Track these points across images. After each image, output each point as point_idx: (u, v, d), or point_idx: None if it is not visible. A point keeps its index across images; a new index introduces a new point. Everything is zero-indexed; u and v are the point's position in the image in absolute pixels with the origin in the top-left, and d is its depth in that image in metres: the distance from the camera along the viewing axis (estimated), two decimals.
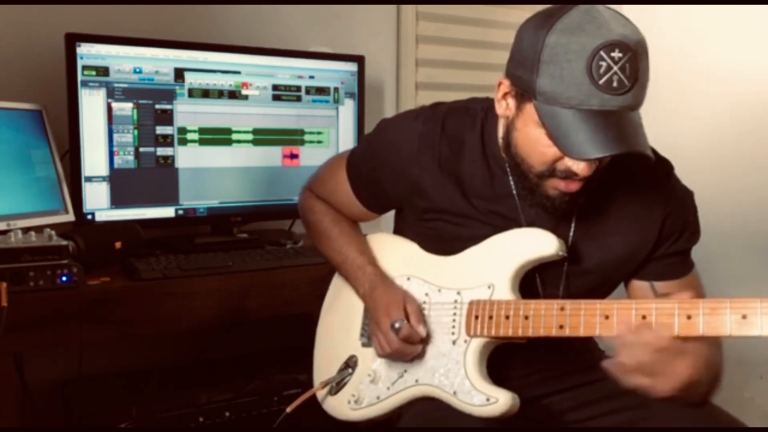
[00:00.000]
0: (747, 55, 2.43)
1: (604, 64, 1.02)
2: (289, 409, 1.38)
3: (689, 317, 1.02)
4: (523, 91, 1.11)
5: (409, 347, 1.25)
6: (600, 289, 1.29)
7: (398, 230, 1.46)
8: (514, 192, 1.25)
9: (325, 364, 1.42)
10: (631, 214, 1.25)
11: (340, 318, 1.44)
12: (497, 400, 1.17)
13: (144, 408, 1.67)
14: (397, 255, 1.39)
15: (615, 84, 1.03)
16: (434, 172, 1.27)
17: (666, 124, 2.63)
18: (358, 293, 1.38)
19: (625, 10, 2.75)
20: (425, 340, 1.27)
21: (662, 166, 1.27)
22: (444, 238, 1.31)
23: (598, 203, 1.24)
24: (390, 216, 1.49)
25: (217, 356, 2.03)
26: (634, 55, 1.04)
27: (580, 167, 1.10)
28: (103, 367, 1.85)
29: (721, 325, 1.00)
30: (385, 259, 1.40)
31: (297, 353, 1.51)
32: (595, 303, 1.11)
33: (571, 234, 1.25)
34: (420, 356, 1.27)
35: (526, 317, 1.17)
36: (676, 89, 2.59)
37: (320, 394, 1.40)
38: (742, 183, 2.44)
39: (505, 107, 1.18)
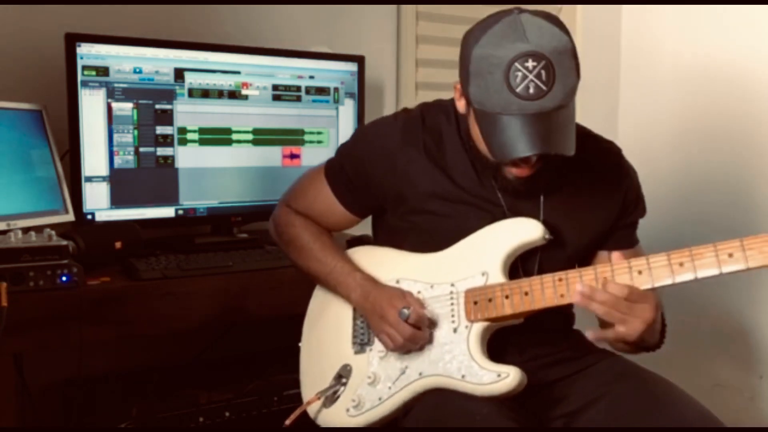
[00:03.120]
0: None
1: (519, 74, 1.13)
2: (288, 422, 1.37)
3: (680, 265, 1.14)
4: (465, 95, 1.23)
5: (420, 333, 1.29)
6: (571, 266, 1.34)
7: (378, 237, 1.48)
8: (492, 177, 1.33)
9: (317, 379, 1.41)
10: (597, 191, 1.37)
11: (328, 330, 1.44)
12: (508, 375, 1.22)
13: (144, 408, 1.67)
14: (381, 263, 1.41)
15: (531, 91, 1.13)
16: (421, 161, 1.34)
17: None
18: (350, 299, 1.38)
19: (625, 9, 2.76)
20: (432, 326, 1.30)
21: (612, 148, 1.43)
22: (431, 230, 1.35)
23: (564, 186, 1.35)
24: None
25: (217, 356, 2.03)
26: (549, 63, 1.13)
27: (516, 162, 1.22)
28: (103, 367, 1.84)
29: (667, 274, 1.15)
30: (371, 269, 1.41)
31: (297, 353, 1.50)
32: (590, 269, 1.21)
33: (541, 214, 1.33)
34: (420, 350, 1.30)
35: (526, 293, 1.24)
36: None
37: (314, 408, 1.38)
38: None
39: (461, 106, 1.30)
